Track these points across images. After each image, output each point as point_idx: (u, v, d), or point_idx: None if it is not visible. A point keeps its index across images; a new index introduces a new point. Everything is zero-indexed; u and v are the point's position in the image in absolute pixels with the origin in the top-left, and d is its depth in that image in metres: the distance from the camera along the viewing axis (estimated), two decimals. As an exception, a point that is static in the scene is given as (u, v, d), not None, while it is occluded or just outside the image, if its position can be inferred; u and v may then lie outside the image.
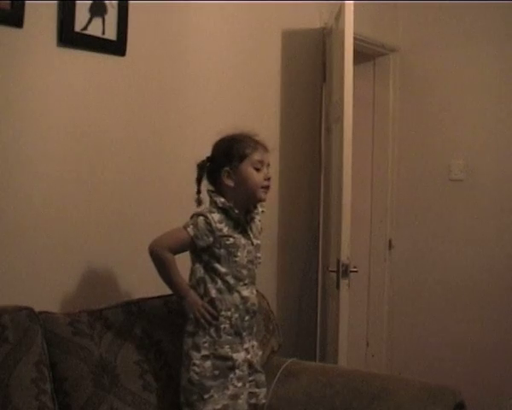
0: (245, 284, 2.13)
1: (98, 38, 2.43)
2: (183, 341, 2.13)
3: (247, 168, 2.11)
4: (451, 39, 3.97)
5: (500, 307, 3.79)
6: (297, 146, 3.45)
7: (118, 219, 2.55)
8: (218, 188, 2.15)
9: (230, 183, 2.12)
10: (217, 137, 2.18)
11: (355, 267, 3.14)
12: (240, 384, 2.09)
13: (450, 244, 3.98)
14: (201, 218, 2.08)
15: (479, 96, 3.90)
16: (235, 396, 2.08)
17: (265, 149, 2.17)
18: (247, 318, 2.14)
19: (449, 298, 3.97)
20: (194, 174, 2.84)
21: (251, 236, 2.16)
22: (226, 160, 2.12)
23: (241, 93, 3.09)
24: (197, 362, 2.07)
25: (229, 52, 3.03)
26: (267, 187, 2.15)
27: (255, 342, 2.23)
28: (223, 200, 2.11)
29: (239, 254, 2.11)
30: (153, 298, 2.36)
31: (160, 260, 2.09)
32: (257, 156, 2.13)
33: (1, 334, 1.86)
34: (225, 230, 2.09)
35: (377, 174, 4.22)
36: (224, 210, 2.11)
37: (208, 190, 2.16)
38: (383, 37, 4.04)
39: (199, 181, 2.17)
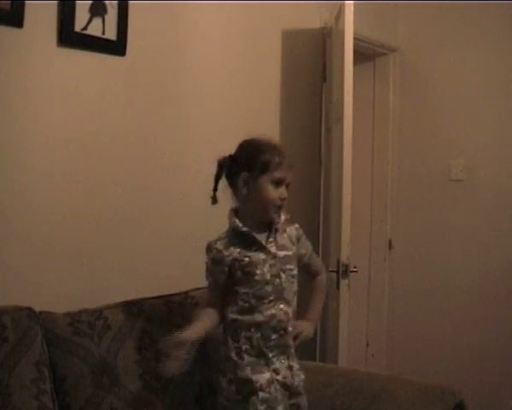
0: (270, 301, 2.00)
1: (98, 38, 2.43)
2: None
3: (266, 183, 2.01)
4: (451, 39, 3.97)
5: (500, 307, 3.79)
6: (297, 146, 3.45)
7: (118, 218, 2.55)
8: (233, 189, 2.07)
9: (244, 190, 2.02)
10: (242, 137, 2.10)
11: (355, 267, 3.14)
12: (263, 407, 1.96)
13: (450, 244, 3.98)
14: (209, 257, 2.05)
15: (479, 96, 3.90)
16: None
17: (290, 167, 2.06)
18: (274, 336, 2.01)
19: (449, 298, 3.97)
20: (194, 174, 2.86)
21: (271, 249, 2.03)
22: (247, 165, 2.01)
23: (241, 93, 3.09)
24: (224, 386, 2.02)
25: (229, 52, 3.03)
26: (280, 207, 2.04)
27: (295, 364, 2.07)
28: (236, 222, 2.03)
29: (258, 271, 1.99)
30: (153, 298, 2.36)
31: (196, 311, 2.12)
32: (279, 174, 2.01)
33: (1, 334, 1.86)
34: (236, 252, 2.01)
35: (377, 174, 4.22)
36: (234, 230, 2.04)
37: (230, 210, 2.09)
38: (383, 37, 4.04)
39: (217, 179, 2.08)
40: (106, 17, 2.45)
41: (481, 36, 3.87)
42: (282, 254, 2.05)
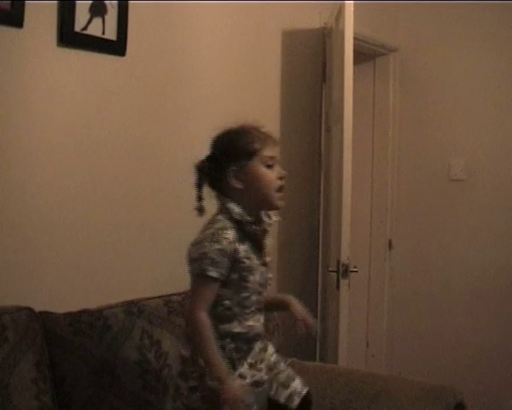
0: (251, 312, 1.82)
1: (98, 38, 2.43)
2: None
3: (258, 167, 1.80)
4: (451, 39, 3.97)
5: (500, 307, 3.79)
6: (297, 146, 3.45)
7: (118, 218, 2.55)
8: (221, 192, 1.84)
9: (239, 185, 1.80)
10: (215, 133, 1.88)
11: (355, 267, 3.14)
12: None
13: (451, 244, 3.98)
14: (214, 247, 1.74)
15: (479, 95, 3.90)
16: None
17: (275, 142, 1.86)
18: (246, 348, 1.82)
19: (449, 298, 3.97)
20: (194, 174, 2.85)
21: (264, 253, 1.85)
22: (231, 158, 1.80)
23: (241, 93, 3.08)
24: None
25: (229, 52, 3.03)
26: (281, 188, 1.84)
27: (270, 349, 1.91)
28: (239, 210, 1.79)
29: (251, 277, 1.79)
30: (153, 298, 2.36)
31: (200, 328, 1.74)
32: (267, 152, 1.81)
33: (1, 334, 1.86)
34: (242, 250, 1.78)
35: (377, 174, 4.22)
36: (237, 223, 1.78)
37: (219, 196, 1.84)
38: (383, 37, 4.04)
39: (199, 186, 1.85)
40: (106, 17, 2.45)
41: (481, 36, 3.87)
42: (268, 260, 1.88)
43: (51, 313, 2.08)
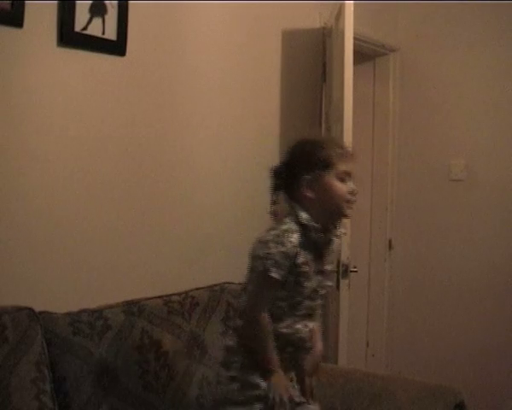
0: (301, 315, 1.85)
1: (98, 38, 2.43)
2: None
3: (332, 179, 1.82)
4: (451, 39, 3.97)
5: (500, 307, 3.78)
6: (297, 146, 3.45)
7: (118, 218, 2.55)
8: (293, 199, 1.87)
9: (311, 194, 1.83)
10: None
11: (355, 267, 3.14)
12: None
13: (450, 244, 3.98)
14: (278, 249, 1.77)
15: (479, 96, 3.90)
16: None
17: (352, 157, 1.88)
18: (290, 349, 1.87)
19: (449, 298, 3.97)
20: (194, 174, 2.86)
21: (325, 261, 1.87)
22: (307, 167, 1.83)
23: (241, 93, 3.08)
24: (223, 381, 1.88)
25: (229, 52, 3.03)
26: (351, 202, 1.86)
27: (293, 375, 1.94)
28: (307, 216, 1.82)
29: (307, 283, 1.82)
30: (153, 298, 2.36)
31: (261, 327, 1.81)
32: (343, 167, 1.83)
33: (1, 334, 1.86)
34: (302, 255, 1.80)
35: (377, 174, 4.22)
36: (303, 228, 1.82)
37: (289, 200, 1.87)
38: (383, 37, 4.04)
39: (276, 190, 1.88)
40: (106, 17, 2.45)
41: (481, 36, 3.87)
42: (329, 268, 1.92)
43: (51, 313, 2.08)
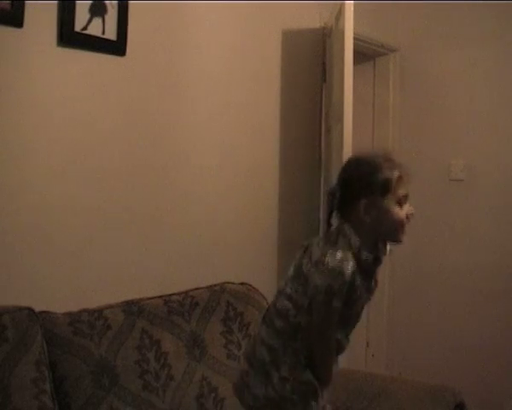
0: (342, 329, 1.84)
1: (98, 37, 2.43)
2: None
3: (391, 205, 1.75)
4: (451, 39, 3.97)
5: (500, 306, 3.79)
6: (297, 146, 3.45)
7: (118, 218, 2.55)
8: (345, 219, 1.80)
9: (368, 218, 1.75)
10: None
11: (355, 267, 3.13)
12: None
13: (450, 244, 3.98)
14: (340, 280, 1.71)
15: (479, 95, 3.90)
16: None
17: (409, 178, 1.81)
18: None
19: (449, 298, 3.97)
20: (194, 173, 2.86)
21: (372, 286, 1.83)
22: (365, 191, 1.75)
23: (241, 93, 3.09)
24: (275, 381, 1.82)
25: (229, 52, 3.03)
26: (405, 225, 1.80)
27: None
28: (358, 243, 1.75)
29: (355, 307, 1.80)
30: (153, 298, 2.36)
31: (328, 347, 1.82)
32: (403, 190, 1.77)
33: (1, 334, 1.86)
34: (358, 281, 1.75)
35: (377, 174, 4.21)
36: (356, 253, 1.75)
37: (342, 221, 1.80)
38: (383, 37, 4.04)
39: (331, 210, 1.82)
40: (106, 17, 2.45)
41: (481, 36, 3.87)
42: (375, 288, 1.87)
43: (51, 313, 2.08)
